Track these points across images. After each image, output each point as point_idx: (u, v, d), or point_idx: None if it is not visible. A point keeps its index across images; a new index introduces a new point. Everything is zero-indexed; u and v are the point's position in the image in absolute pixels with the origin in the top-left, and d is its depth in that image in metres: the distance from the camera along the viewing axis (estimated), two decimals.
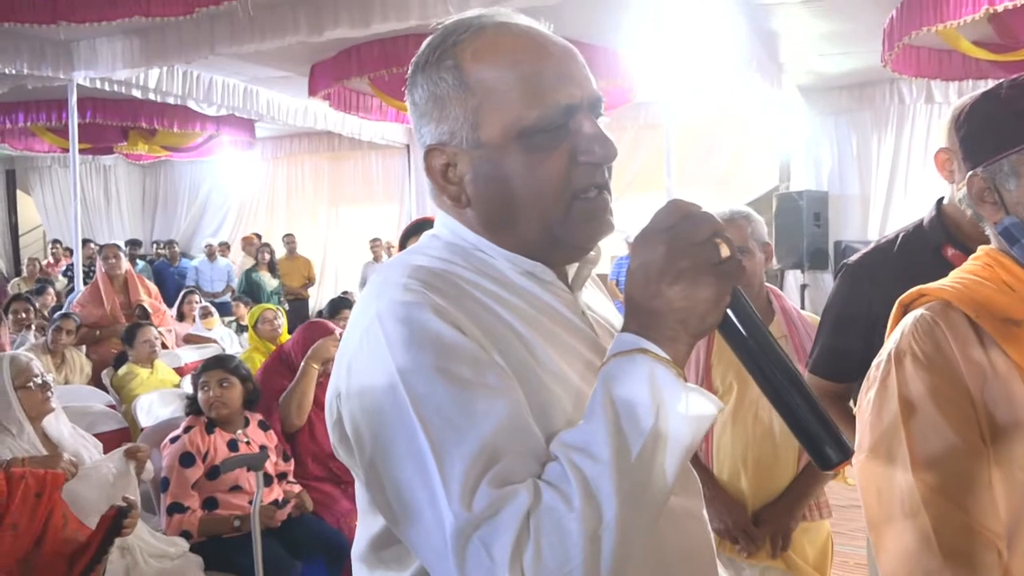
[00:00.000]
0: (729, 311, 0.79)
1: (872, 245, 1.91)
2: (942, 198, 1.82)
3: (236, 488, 2.98)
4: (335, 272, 11.61)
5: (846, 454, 0.77)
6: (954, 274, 1.21)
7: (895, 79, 7.55)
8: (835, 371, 1.86)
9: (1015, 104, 1.11)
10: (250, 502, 2.80)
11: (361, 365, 0.81)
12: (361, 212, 11.52)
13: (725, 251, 0.77)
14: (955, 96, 7.50)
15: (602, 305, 1.03)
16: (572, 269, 0.96)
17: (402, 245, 2.83)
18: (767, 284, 2.26)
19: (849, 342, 1.82)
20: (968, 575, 1.01)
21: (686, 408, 0.74)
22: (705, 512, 0.99)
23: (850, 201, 8.41)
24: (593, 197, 0.87)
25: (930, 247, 1.77)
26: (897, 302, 1.22)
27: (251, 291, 8.81)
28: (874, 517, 1.12)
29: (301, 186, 12.04)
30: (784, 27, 6.18)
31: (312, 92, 7.11)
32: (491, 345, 0.81)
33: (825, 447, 0.77)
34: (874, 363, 1.18)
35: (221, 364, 3.18)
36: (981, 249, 1.21)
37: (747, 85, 6.68)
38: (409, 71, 0.92)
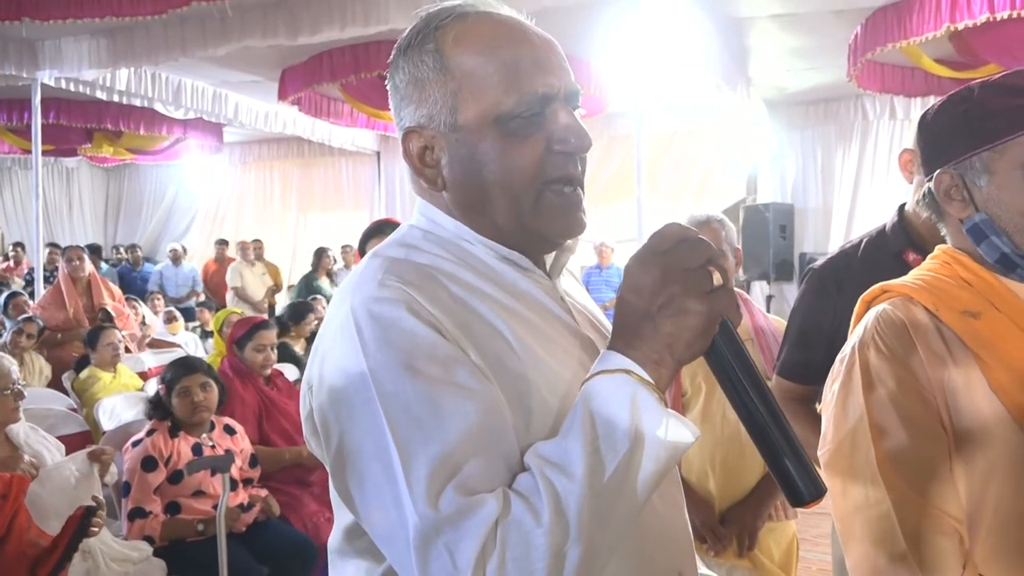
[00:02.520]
0: (717, 339, 0.79)
1: (837, 250, 1.95)
2: (904, 204, 1.86)
3: (200, 493, 2.94)
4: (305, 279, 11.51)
5: (819, 493, 0.77)
6: (914, 272, 1.24)
7: (860, 95, 7.71)
8: (801, 374, 1.89)
9: (989, 103, 1.13)
10: (214, 506, 2.77)
11: (333, 359, 0.81)
12: (330, 219, 11.44)
13: (718, 279, 0.77)
14: (917, 112, 7.68)
15: (579, 293, 1.04)
16: (550, 257, 0.97)
17: (361, 248, 2.81)
18: (735, 288, 2.30)
19: (815, 345, 1.85)
20: (931, 562, 1.04)
21: (665, 433, 0.74)
22: (683, 501, 1.00)
23: (815, 214, 8.56)
24: (567, 193, 0.89)
25: (892, 252, 1.81)
26: (860, 298, 1.26)
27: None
28: (840, 508, 1.15)
29: (270, 192, 11.93)
30: (753, 41, 6.28)
31: (282, 97, 7.07)
32: (468, 342, 0.80)
33: (798, 485, 0.77)
34: (839, 357, 1.21)
35: (198, 368, 3.14)
36: (938, 249, 1.25)
37: (717, 98, 6.78)
38: (391, 55, 0.93)
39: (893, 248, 1.81)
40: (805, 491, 0.77)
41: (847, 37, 5.70)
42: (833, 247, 8.16)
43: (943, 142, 1.19)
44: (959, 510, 1.07)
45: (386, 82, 0.94)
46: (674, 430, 0.74)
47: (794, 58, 6.76)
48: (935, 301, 1.14)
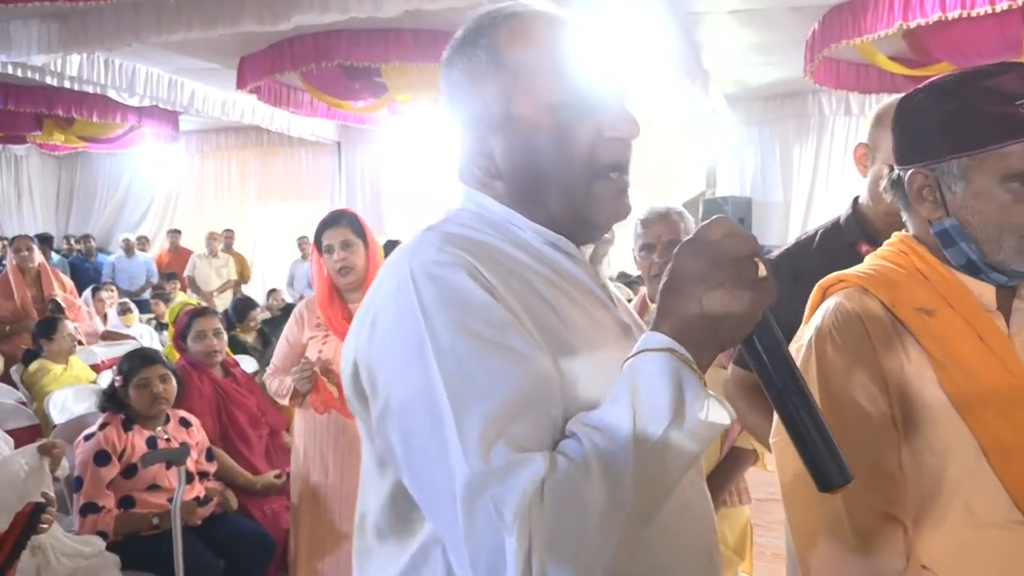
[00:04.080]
0: (758, 328, 0.80)
1: (793, 241, 1.98)
2: (858, 196, 1.90)
3: (154, 487, 2.89)
4: (263, 270, 11.37)
5: (847, 478, 0.81)
6: (870, 259, 1.24)
7: (816, 90, 7.84)
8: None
9: (976, 107, 1.09)
10: (169, 500, 2.73)
11: (388, 317, 0.83)
12: (290, 209, 11.30)
13: (763, 271, 0.80)
14: (872, 108, 7.82)
15: (610, 284, 1.07)
16: (588, 248, 1.00)
17: (317, 240, 2.76)
18: None
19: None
20: (877, 553, 1.06)
21: (705, 414, 0.76)
22: (706, 488, 1.03)
23: (773, 207, 8.70)
24: (615, 179, 0.92)
25: (846, 243, 1.84)
26: (817, 286, 1.27)
27: None
28: (789, 498, 1.16)
29: (228, 181, 11.74)
30: (712, 36, 6.35)
31: (240, 85, 6.95)
32: (523, 311, 0.83)
33: (830, 471, 0.81)
34: (795, 347, 1.22)
35: (156, 359, 3.08)
36: (896, 236, 1.24)
37: (676, 92, 6.83)
38: (445, 54, 0.97)
39: (847, 240, 1.84)
40: (836, 477, 0.80)
41: (804, 33, 5.79)
42: (791, 239, 8.29)
43: (922, 139, 1.16)
44: (905, 504, 1.09)
45: (440, 79, 0.98)
46: (714, 411, 0.76)
47: (753, 53, 6.85)
48: (891, 296, 1.15)
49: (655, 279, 2.29)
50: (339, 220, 2.77)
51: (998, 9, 4.37)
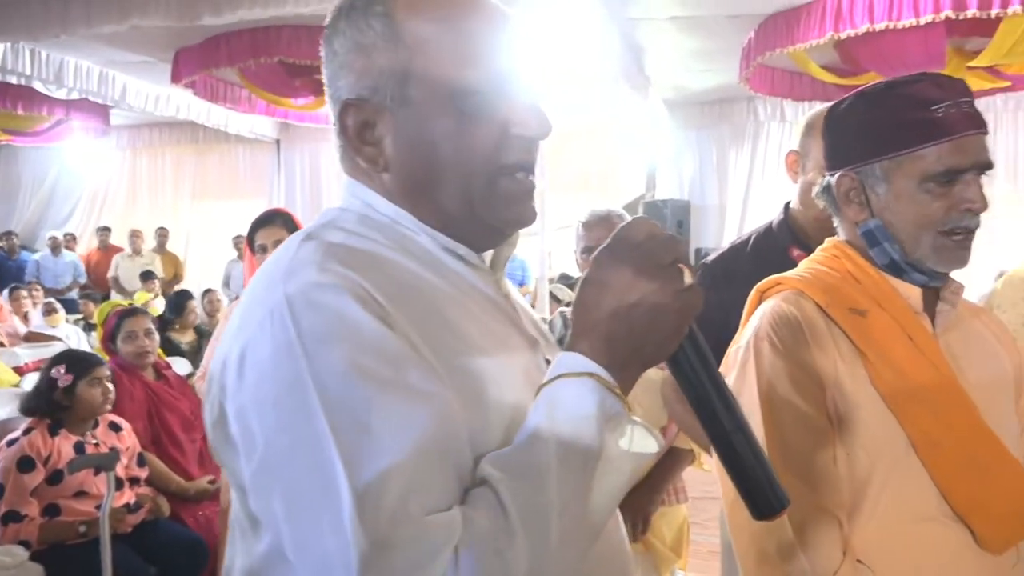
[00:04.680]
0: (684, 343, 0.73)
1: (727, 246, 2.03)
2: (789, 202, 1.95)
3: (82, 493, 2.80)
4: (198, 269, 11.09)
5: (784, 505, 0.75)
6: (805, 264, 1.28)
7: (752, 97, 8.04)
8: None
9: (894, 112, 1.15)
10: (97, 507, 2.64)
11: (260, 356, 0.70)
12: (226, 208, 11.05)
13: (689, 278, 0.73)
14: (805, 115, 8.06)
15: (515, 291, 0.96)
16: (488, 252, 0.89)
17: (250, 240, 2.70)
18: None
19: (704, 337, 1.92)
20: (815, 548, 1.09)
21: (629, 443, 0.70)
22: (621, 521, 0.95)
23: (710, 210, 8.89)
24: (521, 180, 0.82)
25: (778, 248, 1.89)
26: (754, 289, 1.30)
27: None
28: (729, 495, 1.19)
29: (161, 178, 11.40)
30: (652, 42, 6.44)
31: (175, 79, 6.76)
32: (420, 338, 0.72)
33: (765, 496, 0.75)
34: (733, 348, 1.25)
35: (95, 361, 2.97)
36: (829, 241, 1.29)
37: (617, 96, 6.92)
38: (329, 17, 0.84)
39: (779, 244, 1.89)
40: (773, 503, 0.74)
41: (741, 41, 5.93)
42: (727, 242, 8.50)
43: (847, 144, 1.21)
44: (840, 499, 1.12)
45: (320, 48, 0.84)
46: (640, 440, 0.70)
47: (691, 59, 6.97)
48: (826, 298, 1.19)
49: None
50: (273, 220, 2.72)
51: (922, 22, 4.55)
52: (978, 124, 1.15)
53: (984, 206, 1.15)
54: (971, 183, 1.14)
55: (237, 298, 4.59)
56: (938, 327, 1.22)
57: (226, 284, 8.90)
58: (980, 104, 1.21)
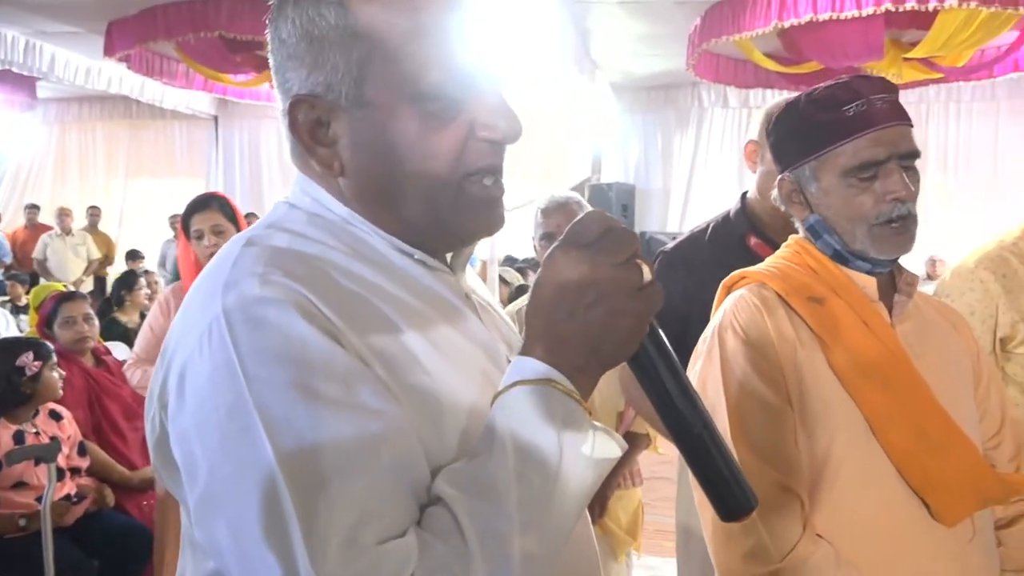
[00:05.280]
0: (645, 342, 0.70)
1: (686, 234, 2.06)
2: (746, 192, 1.99)
3: (21, 484, 2.69)
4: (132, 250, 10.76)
5: (751, 506, 0.73)
6: (770, 259, 1.34)
7: (697, 83, 8.15)
8: None
9: (811, 117, 1.24)
10: (38, 499, 2.55)
11: (200, 376, 0.66)
12: (162, 186, 10.72)
13: (647, 274, 0.69)
14: (753, 101, 8.27)
15: (480, 287, 0.93)
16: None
17: (185, 225, 2.60)
18: None
19: (666, 323, 1.95)
20: (778, 525, 1.13)
21: (591, 450, 0.66)
22: (590, 521, 0.93)
23: (654, 194, 9.02)
24: (489, 186, 0.77)
25: (736, 236, 1.93)
26: (721, 284, 1.35)
27: None
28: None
29: (92, 155, 10.98)
30: (600, 26, 6.47)
31: (108, 52, 6.50)
32: (370, 352, 0.68)
33: (734, 497, 0.73)
34: (701, 338, 1.29)
35: (49, 346, 2.85)
36: (792, 238, 1.35)
37: (564, 79, 6.92)
38: (275, 0, 0.77)
39: (737, 232, 1.93)
40: (741, 503, 0.72)
41: (688, 27, 5.99)
42: (671, 226, 8.70)
43: (783, 149, 1.30)
44: (802, 478, 1.17)
45: (266, 30, 0.77)
46: (601, 446, 0.67)
47: (639, 44, 7.03)
48: (785, 288, 1.24)
49: None
50: (208, 204, 2.62)
51: (864, 14, 4.67)
52: (896, 116, 1.21)
53: (910, 194, 1.20)
54: (892, 173, 1.20)
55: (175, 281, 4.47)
56: (895, 317, 1.27)
57: (162, 264, 8.65)
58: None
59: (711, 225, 2.00)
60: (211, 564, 0.72)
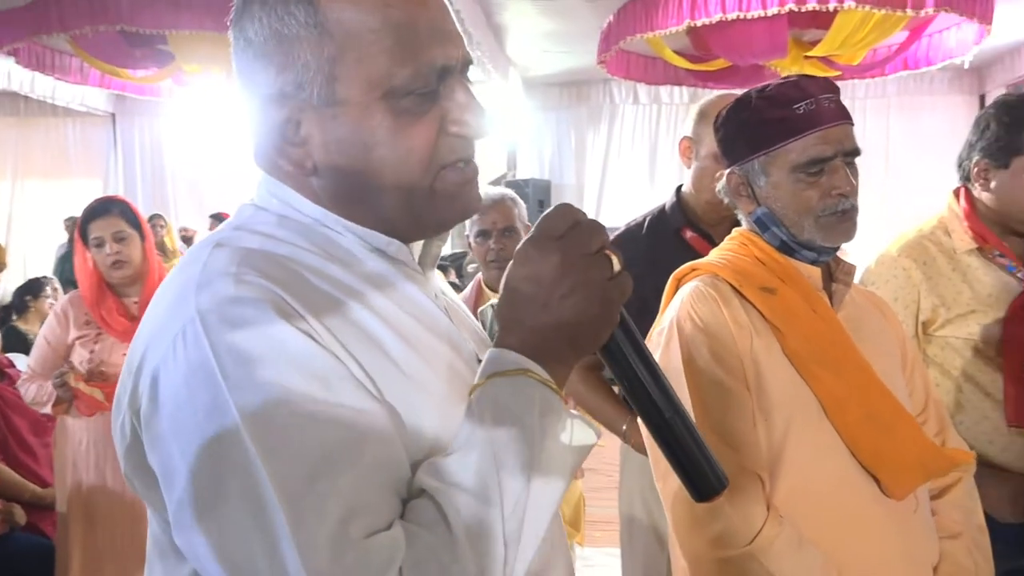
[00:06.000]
0: (616, 331, 0.73)
1: (623, 227, 2.10)
2: (680, 186, 2.04)
3: None
4: (23, 256, 10.13)
5: (723, 484, 0.76)
6: (717, 252, 1.39)
7: (608, 80, 8.28)
8: None
9: (763, 113, 1.29)
10: None
11: (175, 380, 0.65)
12: (54, 188, 10.14)
13: (617, 264, 0.72)
14: (663, 98, 8.47)
15: (446, 286, 0.95)
16: (417, 246, 0.85)
17: (83, 233, 2.48)
18: None
19: None
20: (741, 506, 1.18)
21: (569, 438, 0.69)
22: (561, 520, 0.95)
23: (568, 190, 9.11)
24: (462, 168, 0.78)
25: (671, 229, 1.98)
26: (672, 277, 1.39)
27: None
28: (659, 465, 1.25)
29: None
30: (513, 22, 6.49)
31: None
32: (346, 352, 0.69)
33: (707, 478, 0.75)
34: (656, 331, 1.33)
35: None
36: (736, 231, 1.40)
37: (478, 76, 6.92)
38: (239, 2, 0.76)
39: (672, 226, 1.98)
40: (714, 484, 0.75)
41: (599, 24, 6.07)
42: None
43: (731, 145, 1.35)
44: (761, 459, 1.22)
45: (230, 31, 0.77)
46: (579, 433, 0.69)
47: (550, 41, 7.09)
48: (739, 279, 1.29)
49: (492, 264, 2.33)
50: (109, 209, 2.50)
51: (769, 13, 4.85)
52: (841, 116, 1.28)
53: (853, 189, 1.28)
54: (837, 169, 1.27)
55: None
56: (835, 304, 1.34)
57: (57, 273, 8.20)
58: None
59: (647, 219, 2.04)
60: (186, 570, 0.71)
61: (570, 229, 0.71)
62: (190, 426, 0.64)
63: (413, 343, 0.75)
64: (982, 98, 8.17)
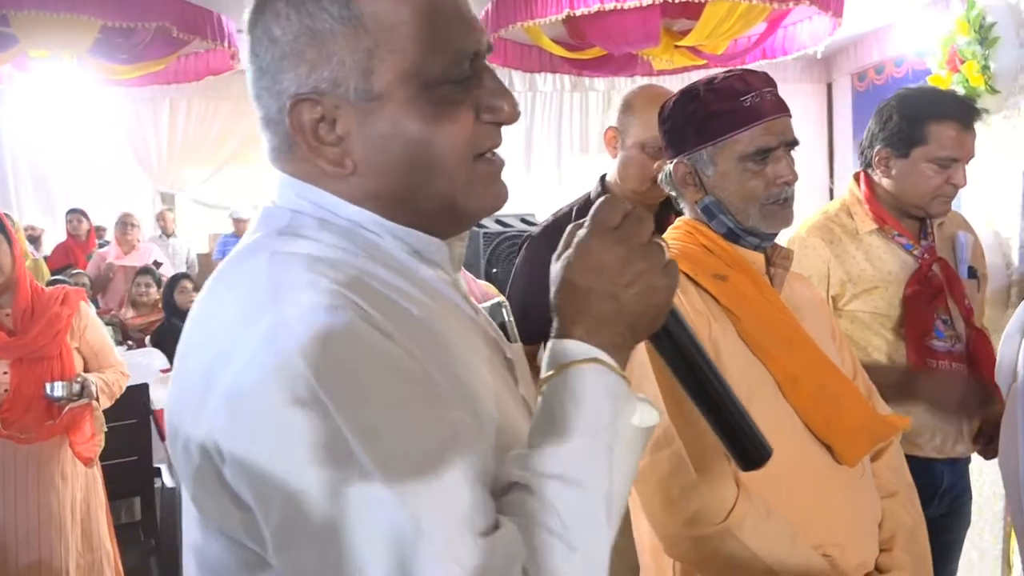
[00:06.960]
0: (667, 316, 0.78)
1: (550, 217, 2.14)
2: (605, 175, 2.09)
3: None
4: None
5: (769, 452, 0.85)
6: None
7: None
8: (527, 334, 2.03)
9: (711, 105, 1.34)
10: None
11: (264, 392, 0.62)
12: None
13: (668, 253, 0.76)
14: (541, 85, 8.57)
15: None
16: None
17: None
18: None
19: (537, 307, 2.00)
20: (714, 485, 1.23)
21: (639, 420, 0.72)
22: None
23: None
24: (491, 159, 0.79)
25: None
26: None
27: None
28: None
29: None
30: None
31: None
32: (420, 354, 0.68)
33: (756, 448, 0.84)
34: None
35: None
36: (680, 220, 1.46)
37: None
38: (258, 1, 0.75)
39: None
40: (762, 453, 0.84)
41: (478, 12, 6.07)
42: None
43: (679, 135, 1.39)
44: None
45: (245, 32, 0.75)
46: (646, 414, 0.72)
47: None
48: (692, 267, 1.34)
49: None
50: None
51: (645, 3, 5.04)
52: (782, 109, 1.37)
53: (795, 177, 1.37)
54: (781, 159, 1.36)
55: None
56: (776, 287, 1.42)
57: None
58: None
59: (574, 208, 2.08)
60: None
61: (624, 221, 0.74)
62: (290, 442, 0.62)
63: (467, 343, 0.77)
64: (829, 86, 8.80)
